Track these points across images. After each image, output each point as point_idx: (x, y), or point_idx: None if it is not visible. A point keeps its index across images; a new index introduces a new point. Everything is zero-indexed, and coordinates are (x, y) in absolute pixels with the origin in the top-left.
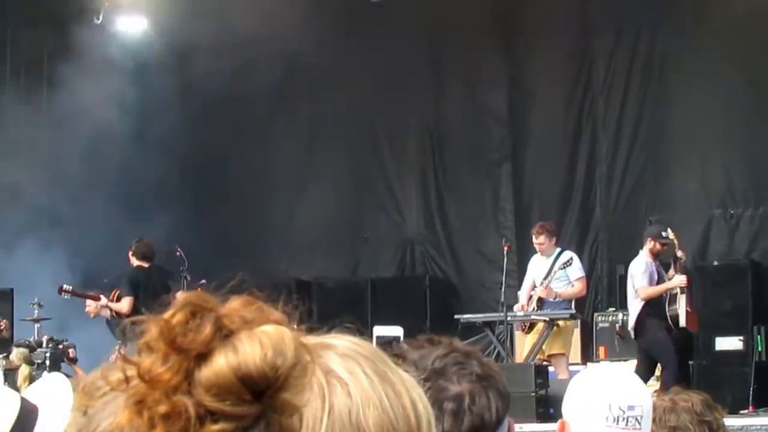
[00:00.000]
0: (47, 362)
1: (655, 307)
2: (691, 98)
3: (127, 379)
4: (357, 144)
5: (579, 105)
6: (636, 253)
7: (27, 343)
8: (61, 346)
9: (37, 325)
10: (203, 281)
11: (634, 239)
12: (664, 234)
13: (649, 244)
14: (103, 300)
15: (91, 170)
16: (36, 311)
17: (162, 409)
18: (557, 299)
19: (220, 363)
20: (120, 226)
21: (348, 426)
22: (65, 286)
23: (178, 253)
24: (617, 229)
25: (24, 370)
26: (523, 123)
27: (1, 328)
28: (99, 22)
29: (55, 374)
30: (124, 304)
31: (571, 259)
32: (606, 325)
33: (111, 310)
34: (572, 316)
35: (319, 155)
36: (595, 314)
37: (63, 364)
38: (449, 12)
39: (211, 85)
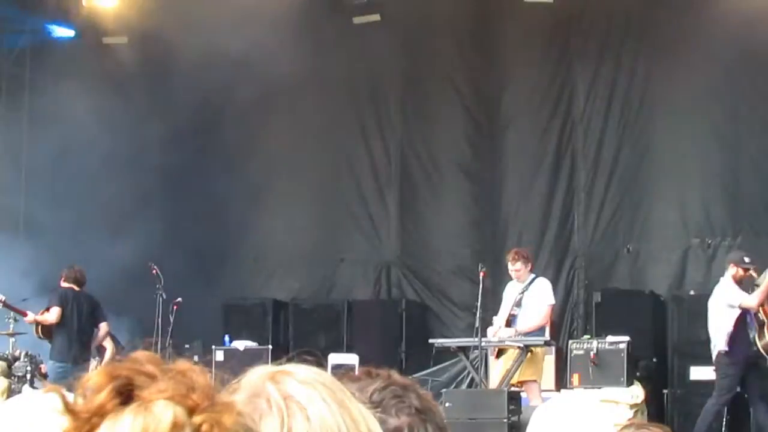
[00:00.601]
0: (28, 376)
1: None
2: (671, 128)
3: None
4: (334, 164)
5: (558, 132)
6: (613, 280)
7: (5, 356)
8: (34, 362)
9: (12, 339)
10: (179, 299)
11: (612, 267)
12: (746, 259)
13: (731, 270)
14: (30, 315)
15: (67, 181)
16: (11, 325)
17: None
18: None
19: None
20: (94, 240)
21: None
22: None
23: (154, 272)
24: (595, 256)
25: (2, 383)
26: (502, 148)
27: None
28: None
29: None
30: (53, 314)
31: (540, 283)
32: (581, 352)
33: (37, 324)
34: (546, 343)
35: (296, 174)
36: (570, 341)
37: (35, 379)
38: (429, 35)
39: (190, 102)
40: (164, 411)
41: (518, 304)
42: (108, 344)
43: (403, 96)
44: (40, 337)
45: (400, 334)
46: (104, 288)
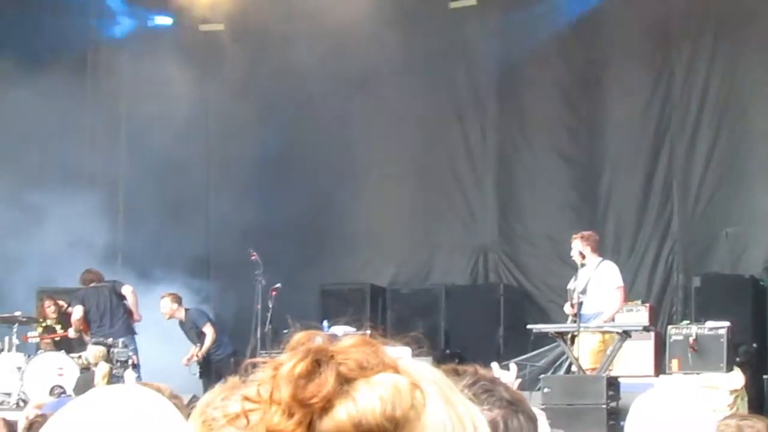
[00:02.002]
0: (129, 361)
1: None
2: None
3: (246, 416)
4: (431, 149)
5: (656, 116)
6: (710, 265)
7: (104, 342)
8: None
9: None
10: (278, 285)
11: (709, 251)
12: None
13: None
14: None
15: (164, 166)
16: None
17: None
18: (596, 313)
19: (341, 417)
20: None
21: None
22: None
23: (253, 258)
24: (693, 240)
25: (103, 368)
26: (599, 132)
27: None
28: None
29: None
30: (77, 313)
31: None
32: (680, 338)
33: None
34: (645, 329)
35: (393, 160)
36: (669, 326)
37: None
38: (525, 20)
39: (286, 86)
40: (395, 381)
41: (583, 291)
42: (208, 330)
43: (499, 80)
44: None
45: (498, 319)
46: (203, 276)
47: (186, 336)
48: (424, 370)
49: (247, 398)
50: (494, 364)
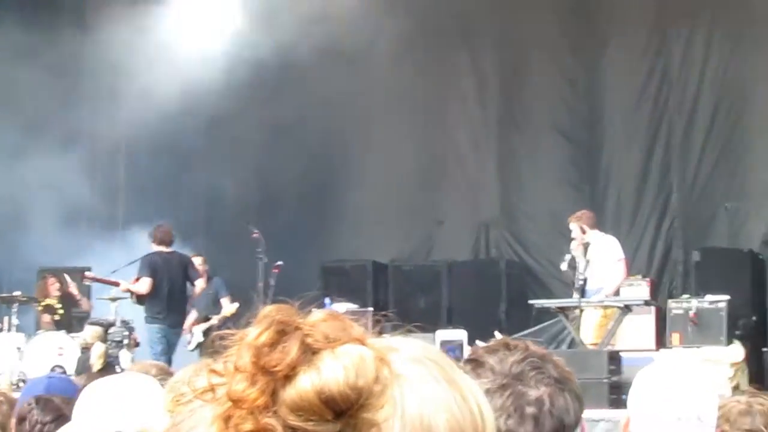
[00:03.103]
0: (124, 341)
1: None
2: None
3: (213, 390)
4: (432, 126)
5: (655, 92)
6: (710, 239)
7: (101, 322)
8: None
9: (114, 304)
10: (280, 262)
11: (709, 225)
12: None
13: None
14: (123, 284)
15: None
16: (113, 290)
17: (248, 427)
18: (598, 288)
19: (304, 385)
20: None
21: (420, 429)
22: (88, 273)
23: (254, 235)
24: (692, 215)
25: (99, 348)
26: (599, 109)
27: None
28: None
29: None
30: (144, 285)
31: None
32: (680, 312)
33: (131, 293)
34: (646, 303)
35: (394, 137)
36: (669, 301)
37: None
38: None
39: (303, 56)
40: (360, 351)
41: (586, 267)
42: (227, 302)
43: (500, 57)
44: (135, 303)
45: (500, 295)
46: (205, 253)
47: (194, 302)
48: (423, 350)
49: (213, 371)
50: (497, 334)
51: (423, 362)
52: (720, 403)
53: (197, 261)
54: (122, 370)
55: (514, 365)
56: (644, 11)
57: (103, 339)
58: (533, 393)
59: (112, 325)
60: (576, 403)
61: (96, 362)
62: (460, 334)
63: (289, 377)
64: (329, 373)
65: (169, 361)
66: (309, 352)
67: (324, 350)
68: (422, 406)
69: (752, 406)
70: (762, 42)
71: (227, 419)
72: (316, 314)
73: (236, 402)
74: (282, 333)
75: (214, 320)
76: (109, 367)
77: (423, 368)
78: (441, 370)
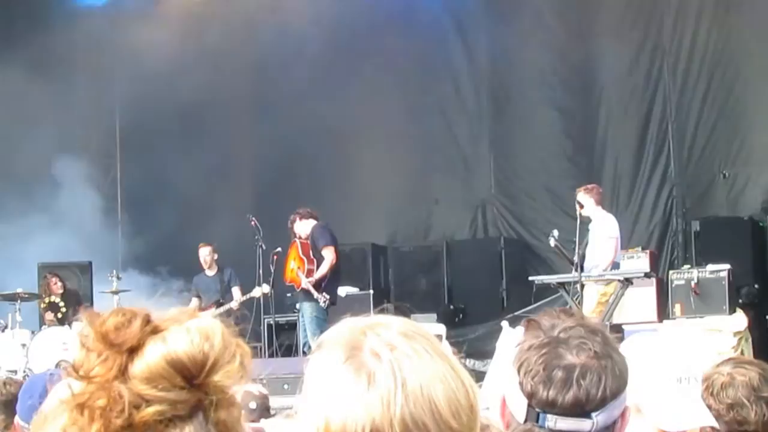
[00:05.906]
0: None
1: None
2: (763, 50)
3: (75, 371)
4: (425, 106)
5: (648, 60)
6: (709, 207)
7: None
8: None
9: (116, 297)
10: (278, 249)
11: (708, 193)
12: None
13: None
14: (305, 281)
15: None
16: (114, 283)
17: (101, 402)
18: (593, 266)
19: (153, 355)
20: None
21: (421, 400)
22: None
23: (252, 223)
24: (690, 183)
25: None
26: (592, 81)
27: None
28: None
29: None
30: (330, 255)
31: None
32: (682, 282)
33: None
34: (647, 275)
35: (388, 118)
36: (671, 271)
37: None
38: None
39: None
40: (207, 322)
41: (585, 244)
42: (236, 291)
43: (492, 33)
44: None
45: (500, 272)
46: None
47: (203, 289)
48: (412, 326)
49: (68, 369)
50: (504, 323)
51: (414, 337)
52: (704, 375)
53: (207, 250)
54: None
55: (563, 331)
56: None
57: None
58: (570, 358)
59: None
60: (612, 382)
61: None
62: (438, 329)
63: (136, 349)
64: (176, 341)
65: None
66: (155, 330)
67: (172, 326)
68: (421, 378)
69: (735, 377)
70: (755, 5)
71: (81, 404)
72: (171, 311)
73: (86, 379)
74: (129, 319)
75: (234, 304)
76: None
77: (415, 343)
78: (430, 344)
